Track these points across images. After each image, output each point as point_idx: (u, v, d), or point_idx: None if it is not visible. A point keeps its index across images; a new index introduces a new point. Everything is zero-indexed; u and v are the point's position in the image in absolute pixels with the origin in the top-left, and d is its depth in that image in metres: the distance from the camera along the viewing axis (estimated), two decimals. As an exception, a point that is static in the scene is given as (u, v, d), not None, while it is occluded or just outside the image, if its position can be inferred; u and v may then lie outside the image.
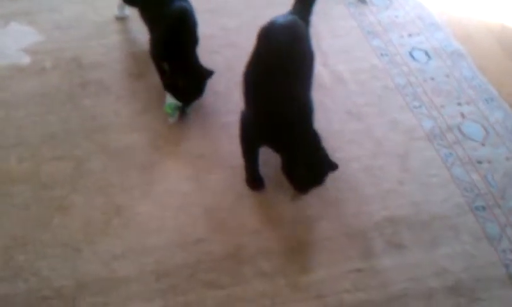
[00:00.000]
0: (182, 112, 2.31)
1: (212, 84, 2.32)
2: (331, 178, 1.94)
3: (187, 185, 2.09)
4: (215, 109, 2.37)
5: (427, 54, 2.66)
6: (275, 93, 1.90)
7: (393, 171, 2.17)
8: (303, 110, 1.93)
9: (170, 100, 2.29)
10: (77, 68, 2.52)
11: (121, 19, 2.78)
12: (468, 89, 2.49)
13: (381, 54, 2.65)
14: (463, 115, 2.38)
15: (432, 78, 2.54)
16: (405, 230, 1.97)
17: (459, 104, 2.43)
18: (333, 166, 1.90)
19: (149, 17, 2.41)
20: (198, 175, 2.12)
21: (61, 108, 2.35)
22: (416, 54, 2.65)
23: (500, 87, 2.51)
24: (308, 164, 1.87)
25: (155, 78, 2.39)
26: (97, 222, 1.96)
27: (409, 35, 2.76)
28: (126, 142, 2.23)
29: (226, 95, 2.42)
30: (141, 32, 2.57)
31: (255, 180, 2.09)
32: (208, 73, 2.26)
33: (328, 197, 2.05)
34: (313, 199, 2.02)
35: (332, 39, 2.70)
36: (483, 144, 2.27)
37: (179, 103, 2.28)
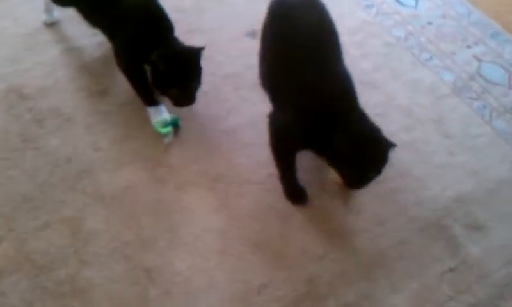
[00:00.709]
0: (175, 126, 1.89)
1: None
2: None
3: (218, 218, 1.70)
4: (211, 114, 1.96)
5: (413, -5, 2.40)
6: (316, 75, 1.59)
7: (436, 140, 1.93)
8: (348, 86, 1.65)
9: (158, 115, 1.87)
10: (20, 100, 1.96)
11: (52, 24, 2.21)
12: (469, 26, 2.29)
13: (366, 6, 2.34)
14: (477, 58, 2.17)
15: (430, 23, 2.30)
16: (476, 207, 1.76)
17: (469, 46, 2.22)
18: (390, 144, 1.61)
19: (105, 18, 1.91)
20: (226, 202, 1.74)
21: (22, 158, 1.81)
22: (402, -2, 2.39)
23: (498, 19, 2.32)
24: (361, 149, 1.57)
25: (122, 91, 1.96)
26: (130, 299, 1.52)
27: (388, -22, 2.47)
28: (121, 182, 1.77)
29: (217, 93, 2.01)
30: (83, 36, 2.09)
31: (296, 192, 1.75)
32: (198, 50, 1.82)
33: (381, 191, 1.77)
34: (367, 197, 1.75)
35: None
36: (511, 87, 2.08)
37: (168, 117, 1.87)
